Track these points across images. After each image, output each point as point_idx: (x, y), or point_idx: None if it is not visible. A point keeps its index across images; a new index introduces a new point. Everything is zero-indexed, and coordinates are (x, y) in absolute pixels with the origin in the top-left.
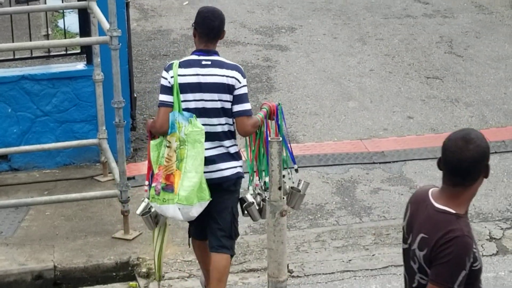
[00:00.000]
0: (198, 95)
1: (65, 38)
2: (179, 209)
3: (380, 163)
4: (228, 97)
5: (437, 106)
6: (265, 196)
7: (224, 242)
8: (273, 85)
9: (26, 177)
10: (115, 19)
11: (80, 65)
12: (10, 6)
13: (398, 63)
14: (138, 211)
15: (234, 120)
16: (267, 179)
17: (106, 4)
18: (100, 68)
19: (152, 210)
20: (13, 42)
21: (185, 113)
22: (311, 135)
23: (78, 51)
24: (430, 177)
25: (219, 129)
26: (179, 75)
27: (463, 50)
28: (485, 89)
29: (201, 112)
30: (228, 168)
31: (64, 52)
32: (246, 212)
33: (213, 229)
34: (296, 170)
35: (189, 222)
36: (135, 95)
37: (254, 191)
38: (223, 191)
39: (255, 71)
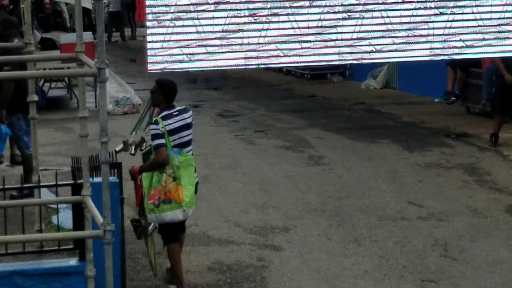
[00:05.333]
0: (179, 134)
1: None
2: (184, 210)
3: None
4: (191, 130)
5: None
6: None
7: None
8: (266, 285)
9: None
10: (109, 213)
11: (73, 261)
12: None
13: (393, 265)
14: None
15: None
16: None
17: (100, 199)
18: (92, 264)
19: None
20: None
21: (174, 149)
22: None
23: (71, 246)
24: None
25: (191, 152)
26: (166, 125)
27: (458, 253)
28: None
29: (184, 145)
30: (195, 177)
31: (57, 248)
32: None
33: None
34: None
35: (173, 229)
36: None
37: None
38: None
39: (248, 270)
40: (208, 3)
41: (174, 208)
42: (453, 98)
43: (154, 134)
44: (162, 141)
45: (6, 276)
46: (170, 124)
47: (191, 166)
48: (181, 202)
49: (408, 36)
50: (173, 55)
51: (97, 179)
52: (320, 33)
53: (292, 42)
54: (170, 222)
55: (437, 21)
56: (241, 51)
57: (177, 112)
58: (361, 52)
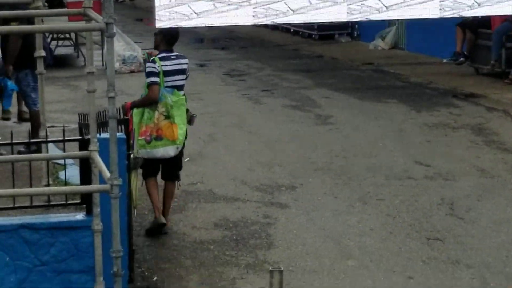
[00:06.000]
0: (174, 77)
1: None
2: (177, 148)
3: None
4: (185, 76)
5: (438, 267)
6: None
7: (177, 173)
8: (272, 241)
9: None
10: (116, 168)
11: (80, 215)
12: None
13: (399, 223)
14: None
15: None
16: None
17: (107, 155)
18: (99, 218)
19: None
20: None
21: (167, 89)
22: None
23: (78, 201)
24: None
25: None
26: (162, 65)
27: (465, 212)
28: (487, 251)
29: (176, 88)
30: None
31: (64, 202)
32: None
33: (173, 164)
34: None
35: (150, 165)
36: (134, 248)
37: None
38: None
39: (254, 227)
40: None
41: (166, 145)
42: (461, 59)
43: (150, 72)
44: (157, 79)
45: (13, 229)
46: (166, 65)
47: (183, 106)
48: (175, 140)
49: None
50: (181, 11)
51: (105, 135)
52: None
53: None
54: (161, 157)
55: None
56: (249, 7)
57: (175, 57)
58: (370, 9)
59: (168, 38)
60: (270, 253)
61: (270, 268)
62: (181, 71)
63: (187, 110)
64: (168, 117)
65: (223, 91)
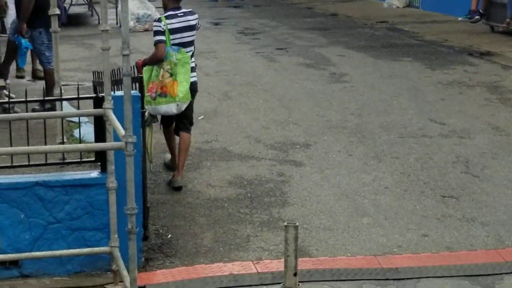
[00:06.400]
0: (181, 34)
1: None
2: (177, 105)
3: (393, 279)
4: (195, 32)
5: (453, 225)
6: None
7: (189, 127)
8: (286, 199)
9: (36, 283)
10: (130, 125)
11: (94, 173)
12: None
13: (414, 181)
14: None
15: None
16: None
17: (122, 113)
18: (114, 176)
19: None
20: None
21: (173, 46)
22: (324, 249)
23: (93, 159)
24: None
25: (191, 52)
26: (168, 24)
27: (480, 170)
28: (502, 209)
29: (183, 44)
30: (194, 76)
31: (79, 160)
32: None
33: (182, 118)
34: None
35: (164, 118)
36: (148, 205)
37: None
38: (192, 94)
39: (268, 185)
40: None
41: (169, 102)
42: (477, 17)
43: (156, 31)
44: (162, 37)
45: (28, 187)
46: (172, 23)
47: (188, 64)
48: (175, 97)
49: None
50: None
51: (119, 93)
52: None
53: None
54: (164, 114)
55: None
56: None
57: (182, 14)
58: None
59: None
60: (284, 210)
61: (285, 224)
62: (189, 28)
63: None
64: (172, 74)
65: (237, 49)
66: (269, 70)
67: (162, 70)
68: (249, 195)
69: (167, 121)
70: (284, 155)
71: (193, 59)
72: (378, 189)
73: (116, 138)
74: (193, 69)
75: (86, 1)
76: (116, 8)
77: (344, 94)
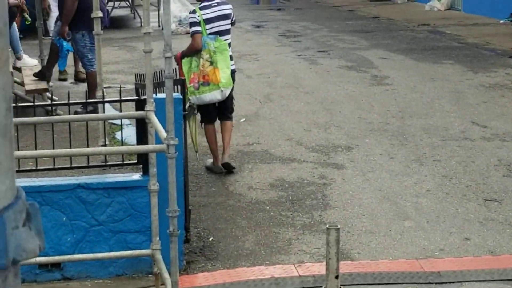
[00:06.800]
0: (216, 23)
1: None
2: (221, 91)
3: (436, 283)
4: (230, 21)
5: (495, 228)
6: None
7: (230, 116)
8: (328, 202)
9: (78, 286)
10: (172, 127)
11: (136, 176)
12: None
13: (456, 184)
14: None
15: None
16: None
17: (163, 115)
18: (156, 179)
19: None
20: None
21: (210, 36)
22: (366, 253)
23: (135, 161)
24: None
25: (229, 41)
26: (202, 14)
27: None
28: None
29: (219, 33)
30: (233, 64)
31: (121, 162)
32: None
33: (223, 110)
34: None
35: (206, 111)
36: (190, 208)
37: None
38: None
39: (310, 188)
40: None
41: (213, 89)
42: None
43: (191, 22)
44: (198, 28)
45: (70, 189)
46: (207, 13)
47: (226, 51)
48: (218, 83)
49: None
50: None
51: (161, 95)
52: None
53: None
54: (209, 102)
55: None
56: None
57: (216, 4)
58: None
59: None
60: (326, 213)
61: (327, 226)
62: (224, 17)
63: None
64: (212, 62)
65: (279, 52)
66: (310, 73)
67: (201, 59)
68: (290, 198)
69: (209, 116)
70: (326, 158)
71: (230, 49)
72: (420, 192)
73: (158, 140)
74: (231, 57)
75: (129, 4)
76: (158, 11)
77: (386, 97)
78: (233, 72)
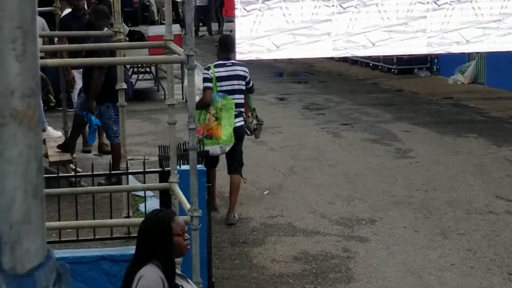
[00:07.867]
0: (228, 82)
1: None
2: (221, 147)
3: None
4: (244, 82)
5: None
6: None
7: (238, 168)
8: (352, 275)
9: None
10: (196, 199)
11: None
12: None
13: (480, 258)
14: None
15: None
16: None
17: (187, 187)
18: None
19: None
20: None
21: (220, 93)
22: None
23: None
24: None
25: (240, 101)
26: (215, 72)
27: None
28: None
29: (230, 92)
30: (240, 121)
31: None
32: (249, 133)
33: (232, 161)
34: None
35: (208, 158)
36: (213, 280)
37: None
38: (237, 138)
39: (334, 261)
40: None
41: (214, 143)
42: None
43: (204, 78)
44: (209, 84)
45: (94, 261)
46: (220, 72)
47: (232, 109)
48: (219, 139)
49: (498, 28)
50: (261, 43)
51: (184, 167)
52: (408, 23)
53: (381, 31)
54: (210, 155)
55: None
56: (329, 40)
57: (231, 64)
58: (450, 43)
59: (223, 45)
60: (350, 287)
61: None
62: (236, 77)
63: (257, 117)
64: (217, 118)
65: (302, 124)
66: (334, 145)
67: (208, 114)
68: (314, 270)
69: (211, 162)
70: (350, 231)
71: (242, 109)
72: (444, 266)
73: (182, 212)
74: (239, 115)
75: (152, 76)
76: (182, 83)
77: (410, 170)
78: (241, 129)
